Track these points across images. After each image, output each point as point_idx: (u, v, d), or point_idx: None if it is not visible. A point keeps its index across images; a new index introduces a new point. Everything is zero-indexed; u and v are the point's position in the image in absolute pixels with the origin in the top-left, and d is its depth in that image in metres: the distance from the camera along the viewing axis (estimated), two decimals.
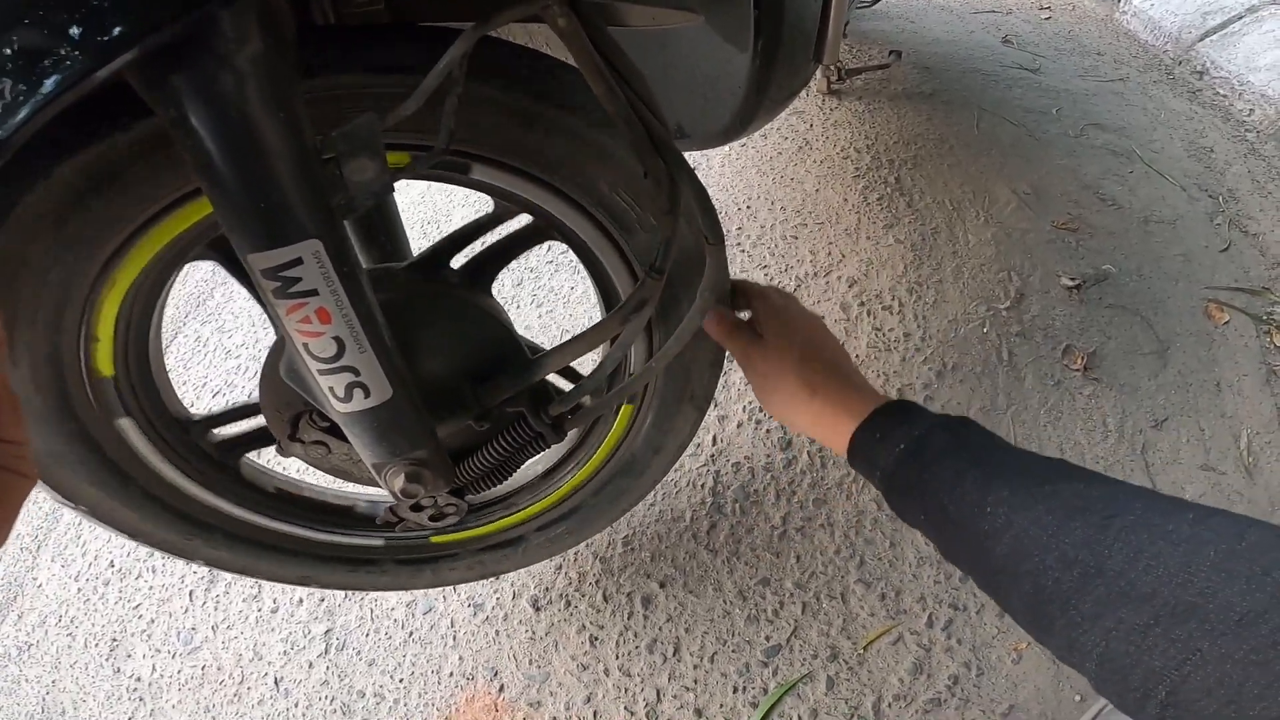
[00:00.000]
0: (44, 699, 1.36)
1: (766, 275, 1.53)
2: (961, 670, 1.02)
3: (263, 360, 0.69)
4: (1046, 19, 2.31)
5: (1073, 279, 1.38)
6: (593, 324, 0.71)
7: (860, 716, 1.00)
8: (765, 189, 1.70)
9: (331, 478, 0.85)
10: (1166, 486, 1.09)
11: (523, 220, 0.72)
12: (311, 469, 0.83)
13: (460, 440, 0.76)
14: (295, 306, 0.48)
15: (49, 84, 0.34)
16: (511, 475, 0.79)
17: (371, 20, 0.60)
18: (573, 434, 0.91)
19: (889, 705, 1.01)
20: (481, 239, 0.76)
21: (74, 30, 0.34)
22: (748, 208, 1.66)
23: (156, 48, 0.36)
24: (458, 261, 0.75)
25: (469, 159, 0.60)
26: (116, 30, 0.34)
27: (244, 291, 1.69)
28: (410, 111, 0.46)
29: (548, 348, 0.75)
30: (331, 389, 0.55)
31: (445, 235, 0.73)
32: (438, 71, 0.46)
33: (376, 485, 0.77)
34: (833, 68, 1.90)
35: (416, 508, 0.80)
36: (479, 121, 0.57)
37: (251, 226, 0.44)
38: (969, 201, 1.57)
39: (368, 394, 0.55)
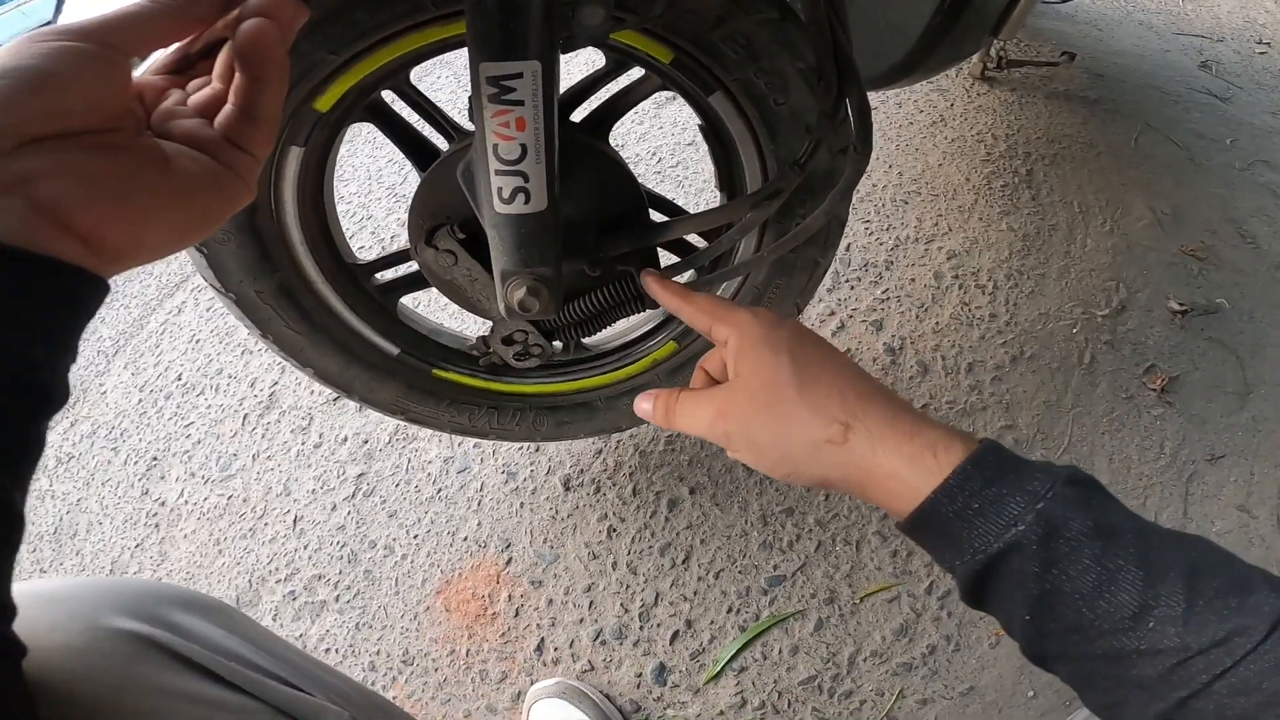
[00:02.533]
0: (61, 518, 1.68)
1: (867, 230, 1.79)
2: (941, 642, 1.25)
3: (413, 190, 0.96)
4: (1260, 53, 2.43)
5: (1181, 304, 1.56)
6: (720, 204, 0.95)
7: (835, 664, 1.24)
8: (886, 152, 1.94)
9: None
10: (1197, 518, 1.32)
11: (635, 74, 0.93)
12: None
13: (569, 283, 0.94)
14: (502, 112, 0.70)
15: None
16: (601, 330, 1.04)
17: None
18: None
19: (864, 659, 1.25)
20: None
21: None
22: None
23: None
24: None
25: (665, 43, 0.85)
26: None
27: (357, 151, 2.04)
28: None
29: None
30: (500, 189, 0.76)
31: (567, 89, 0.97)
32: None
33: (482, 309, 1.04)
34: (993, 54, 2.10)
35: (508, 340, 1.04)
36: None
37: (495, 41, 0.66)
38: (1099, 208, 1.77)
39: (528, 200, 0.77)
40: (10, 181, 0.34)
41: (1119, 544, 0.47)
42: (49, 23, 0.70)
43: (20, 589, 0.35)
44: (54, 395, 0.37)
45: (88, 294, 0.37)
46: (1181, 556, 0.47)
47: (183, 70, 0.48)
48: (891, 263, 1.71)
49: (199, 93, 0.47)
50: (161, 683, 0.49)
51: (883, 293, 1.66)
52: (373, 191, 2.12)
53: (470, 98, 0.73)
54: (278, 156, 0.88)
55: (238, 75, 0.45)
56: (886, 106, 2.07)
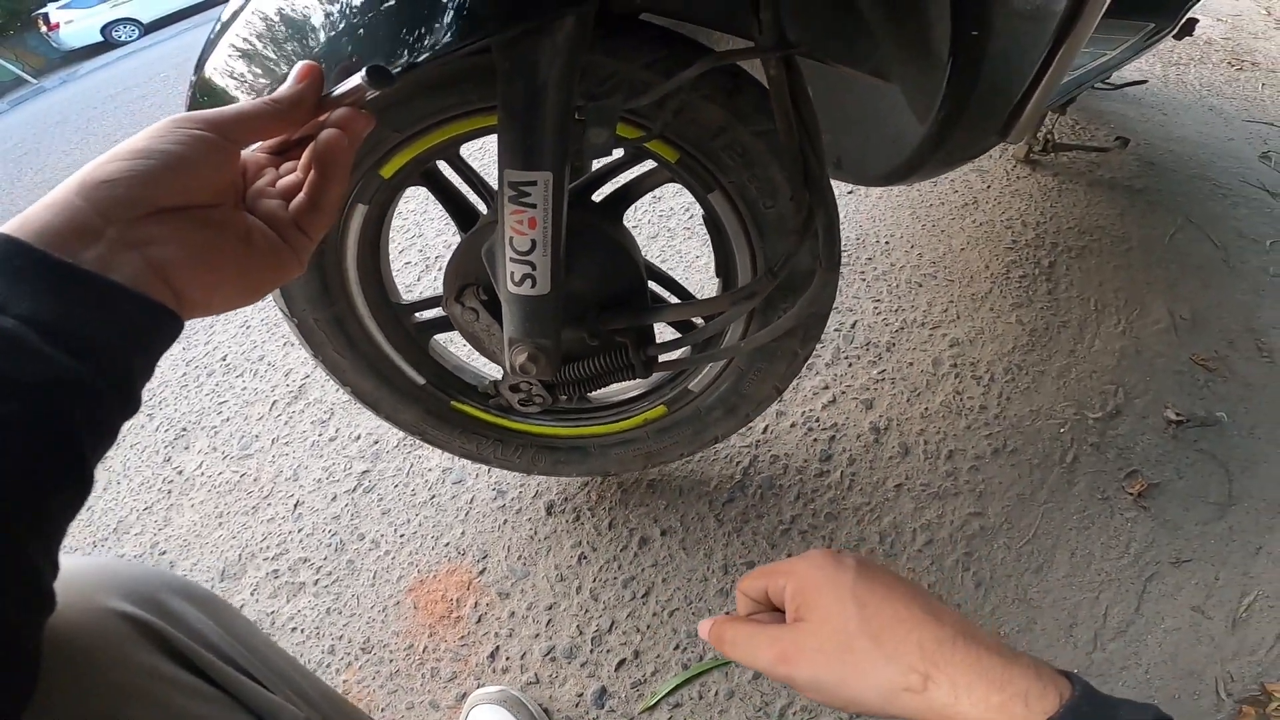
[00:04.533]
0: None
1: (876, 309, 1.90)
2: None
3: (450, 253, 1.13)
4: None
5: (1179, 414, 1.62)
6: (708, 297, 1.10)
7: (766, 714, 1.32)
8: (911, 232, 2.04)
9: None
10: (1148, 614, 1.36)
11: (648, 166, 1.08)
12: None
13: (571, 347, 1.14)
14: (518, 211, 0.86)
15: (450, 37, 0.73)
16: (597, 390, 1.19)
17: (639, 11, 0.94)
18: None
19: (794, 713, 1.32)
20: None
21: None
22: (885, 243, 2.02)
23: (519, 31, 0.76)
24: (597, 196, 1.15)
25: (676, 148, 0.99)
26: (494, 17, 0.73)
27: (404, 219, 2.20)
28: (645, 104, 0.87)
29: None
30: (512, 273, 0.93)
31: (589, 174, 1.14)
32: (676, 82, 0.85)
33: (496, 358, 1.21)
34: (1039, 138, 2.16)
35: (514, 388, 1.20)
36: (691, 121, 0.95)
37: (518, 151, 0.82)
38: (1116, 308, 1.84)
39: (534, 284, 0.93)
40: (136, 241, 0.48)
41: None
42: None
43: None
44: (135, 402, 0.49)
45: (172, 330, 0.50)
46: None
47: (281, 152, 0.62)
48: (894, 344, 1.81)
49: (285, 178, 0.61)
50: (147, 665, 0.58)
51: (879, 373, 1.76)
52: (427, 211, 2.32)
53: (495, 192, 0.89)
54: (346, 212, 1.06)
55: (312, 171, 0.59)
56: (921, 184, 2.15)
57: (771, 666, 0.61)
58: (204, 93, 0.87)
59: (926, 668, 0.54)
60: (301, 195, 0.59)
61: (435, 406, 1.36)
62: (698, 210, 2.16)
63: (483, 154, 2.58)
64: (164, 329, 0.50)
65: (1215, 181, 2.23)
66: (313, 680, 0.81)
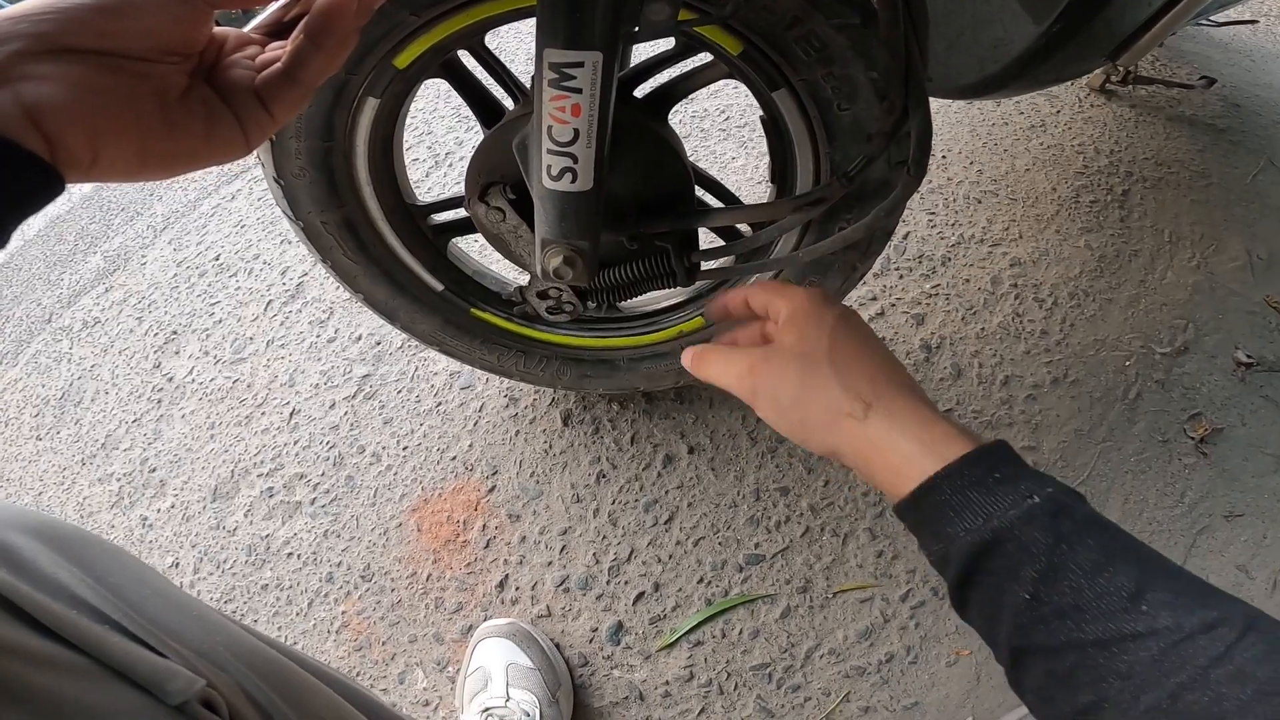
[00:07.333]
0: (71, 383, 1.82)
1: (931, 222, 1.81)
2: (901, 651, 1.29)
3: (462, 150, 1.07)
4: None
5: (1249, 356, 1.56)
6: (766, 201, 1.02)
7: (792, 655, 1.29)
8: (971, 148, 1.95)
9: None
10: (1193, 567, 1.30)
11: (702, 59, 1.01)
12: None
13: (608, 251, 1.07)
14: (560, 96, 0.78)
15: None
16: (633, 298, 1.14)
17: None
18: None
19: (821, 656, 1.29)
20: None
21: None
22: (942, 158, 1.92)
23: None
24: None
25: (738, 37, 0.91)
26: None
27: (413, 117, 2.13)
28: None
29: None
30: (549, 167, 0.85)
31: (633, 66, 1.06)
32: None
33: (523, 262, 1.15)
34: (1120, 68, 2.07)
35: (543, 295, 1.14)
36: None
37: (561, 28, 0.73)
38: (1191, 241, 1.76)
39: (574, 179, 0.85)
40: (15, 77, 0.39)
41: (1112, 533, 0.55)
42: None
43: None
44: None
45: (35, 182, 0.41)
46: (1157, 554, 0.55)
47: (277, 35, 0.54)
48: (949, 259, 1.73)
49: (268, 54, 0.52)
50: None
51: (932, 287, 1.68)
52: (438, 110, 2.23)
53: (532, 76, 0.80)
54: (355, 106, 0.99)
55: (301, 36, 0.49)
56: (982, 102, 2.06)
57: (739, 379, 0.72)
58: None
59: (872, 399, 0.64)
60: (279, 63, 0.50)
61: (454, 315, 1.31)
62: (733, 111, 2.08)
63: (513, 42, 2.52)
64: (23, 180, 0.40)
65: None
66: (233, 637, 0.68)
